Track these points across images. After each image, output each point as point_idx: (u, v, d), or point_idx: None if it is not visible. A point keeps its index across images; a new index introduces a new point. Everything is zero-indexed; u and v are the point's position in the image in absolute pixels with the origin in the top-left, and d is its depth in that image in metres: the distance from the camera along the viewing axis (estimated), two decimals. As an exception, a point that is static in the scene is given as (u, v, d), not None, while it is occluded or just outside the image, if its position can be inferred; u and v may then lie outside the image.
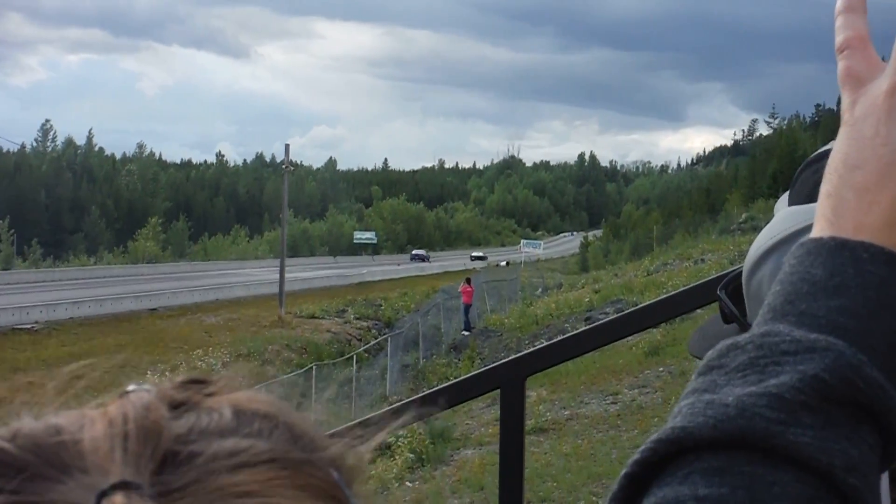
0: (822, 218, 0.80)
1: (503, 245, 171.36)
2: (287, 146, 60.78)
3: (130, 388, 0.59)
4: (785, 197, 1.60)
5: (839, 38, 0.88)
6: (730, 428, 0.67)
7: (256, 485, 0.53)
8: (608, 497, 0.69)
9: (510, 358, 2.40)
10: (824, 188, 0.82)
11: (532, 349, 2.47)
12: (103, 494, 0.50)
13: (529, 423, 15.87)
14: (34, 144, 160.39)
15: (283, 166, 59.94)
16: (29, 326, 44.14)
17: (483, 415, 19.12)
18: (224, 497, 0.52)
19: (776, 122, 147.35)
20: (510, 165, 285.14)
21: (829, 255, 0.76)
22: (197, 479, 0.52)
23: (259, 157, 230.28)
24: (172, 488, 0.52)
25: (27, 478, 0.51)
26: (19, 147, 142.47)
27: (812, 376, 0.69)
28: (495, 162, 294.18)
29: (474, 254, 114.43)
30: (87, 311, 49.19)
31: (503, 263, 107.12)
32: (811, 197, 1.39)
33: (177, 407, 0.58)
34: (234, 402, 0.60)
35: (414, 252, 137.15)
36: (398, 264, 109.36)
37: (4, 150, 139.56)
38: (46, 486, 0.51)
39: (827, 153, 1.49)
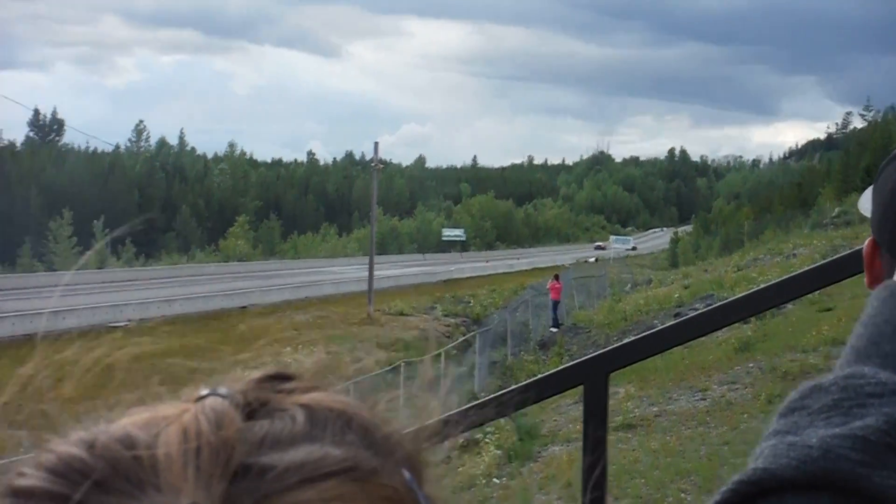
0: None
1: (591, 241, 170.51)
2: (376, 144, 61.02)
3: (204, 391, 0.59)
4: (868, 192, 1.58)
5: None
6: (813, 469, 0.65)
7: (326, 502, 0.53)
8: None
9: (593, 354, 2.40)
10: None
11: (615, 345, 2.47)
12: None
13: (617, 419, 15.78)
14: (128, 145, 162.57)
15: (373, 164, 60.14)
16: (122, 324, 44.97)
17: (571, 411, 19.04)
18: None
19: (871, 114, 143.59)
20: (599, 161, 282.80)
21: None
22: (266, 496, 0.52)
23: (349, 156, 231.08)
24: None
25: (103, 490, 0.52)
26: (114, 148, 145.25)
27: None
28: (584, 158, 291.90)
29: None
30: (179, 309, 49.72)
31: (592, 260, 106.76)
32: (895, 191, 1.38)
33: (251, 412, 0.58)
34: (307, 403, 0.60)
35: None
36: (486, 261, 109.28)
37: (99, 150, 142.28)
38: (121, 501, 0.52)
39: None
